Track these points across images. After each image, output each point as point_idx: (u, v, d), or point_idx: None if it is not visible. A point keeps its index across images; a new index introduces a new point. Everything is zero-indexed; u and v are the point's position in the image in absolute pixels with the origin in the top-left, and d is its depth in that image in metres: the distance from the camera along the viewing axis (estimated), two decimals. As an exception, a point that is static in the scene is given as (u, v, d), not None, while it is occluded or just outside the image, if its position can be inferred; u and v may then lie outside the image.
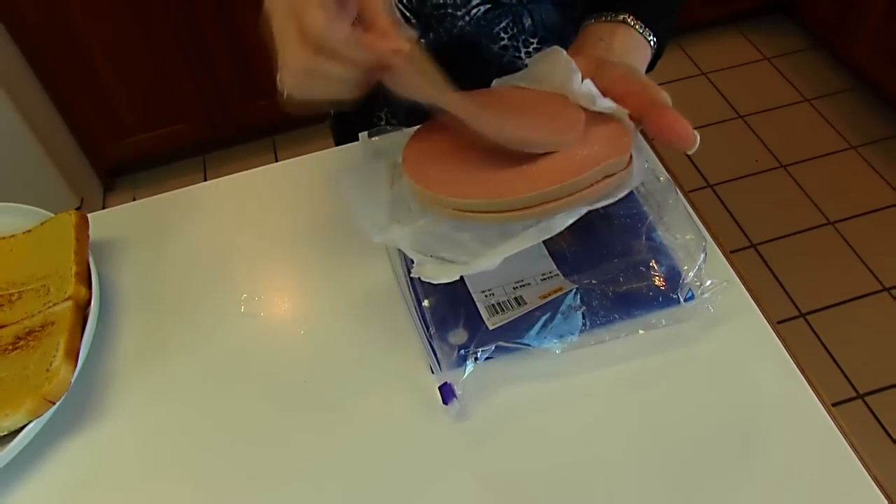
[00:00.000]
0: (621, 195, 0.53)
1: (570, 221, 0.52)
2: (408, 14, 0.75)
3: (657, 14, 0.63)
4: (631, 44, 0.61)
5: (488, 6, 0.74)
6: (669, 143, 0.52)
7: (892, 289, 1.75)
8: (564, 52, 0.57)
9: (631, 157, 0.54)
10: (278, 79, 0.49)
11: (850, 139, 2.10)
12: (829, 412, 0.54)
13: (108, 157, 2.15)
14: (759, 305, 0.60)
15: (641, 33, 0.61)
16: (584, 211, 0.53)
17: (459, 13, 0.74)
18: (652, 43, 0.62)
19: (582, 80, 0.55)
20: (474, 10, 0.74)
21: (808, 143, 2.11)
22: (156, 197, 0.76)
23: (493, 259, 0.51)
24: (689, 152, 0.52)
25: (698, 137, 0.51)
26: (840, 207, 1.93)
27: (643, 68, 0.62)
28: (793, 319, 1.71)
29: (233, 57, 1.98)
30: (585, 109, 0.55)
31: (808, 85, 2.26)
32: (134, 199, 2.27)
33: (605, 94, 0.55)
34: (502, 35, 0.76)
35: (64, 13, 1.81)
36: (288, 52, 0.48)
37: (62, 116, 2.01)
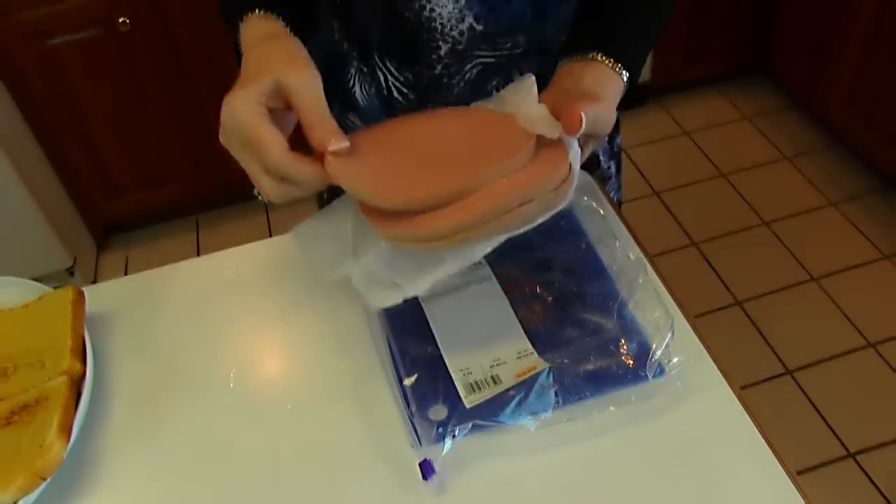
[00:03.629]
0: (546, 217, 0.57)
1: (490, 248, 0.56)
2: (405, 90, 0.79)
3: (627, 47, 0.66)
4: (601, 78, 0.64)
5: (480, 68, 0.77)
6: (563, 127, 0.57)
7: (878, 344, 1.77)
8: (532, 78, 0.61)
9: (567, 178, 0.57)
10: (255, 191, 0.59)
11: (830, 196, 2.14)
12: (794, 481, 0.57)
13: (102, 215, 2.17)
14: (726, 377, 0.63)
15: (612, 68, 0.64)
16: (503, 238, 0.56)
17: (454, 80, 0.78)
18: (624, 77, 0.65)
19: (538, 105, 0.59)
20: (468, 75, 0.78)
21: (789, 200, 2.15)
22: (149, 271, 0.78)
23: (421, 286, 0.57)
24: (577, 134, 0.56)
25: (585, 120, 0.56)
26: (822, 264, 1.97)
27: (615, 99, 0.64)
28: (780, 377, 1.72)
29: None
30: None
31: (787, 143, 2.32)
32: (127, 259, 2.26)
33: (552, 112, 0.58)
34: (494, 93, 0.79)
35: (64, 75, 1.86)
36: (259, 183, 0.58)
37: (58, 175, 2.04)
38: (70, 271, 2.00)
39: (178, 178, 2.15)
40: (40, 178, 1.95)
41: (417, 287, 0.57)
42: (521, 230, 0.57)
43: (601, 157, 0.89)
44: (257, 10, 0.65)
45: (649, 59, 2.32)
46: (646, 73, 2.35)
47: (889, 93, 1.94)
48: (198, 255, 2.17)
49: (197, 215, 2.29)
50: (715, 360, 0.64)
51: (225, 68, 1.92)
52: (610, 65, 0.64)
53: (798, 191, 2.18)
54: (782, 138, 2.34)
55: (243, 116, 0.56)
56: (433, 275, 0.57)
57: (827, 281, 1.93)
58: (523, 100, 0.60)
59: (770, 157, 2.30)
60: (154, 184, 2.14)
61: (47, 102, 1.90)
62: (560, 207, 0.57)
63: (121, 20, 1.80)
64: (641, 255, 0.68)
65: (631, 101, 2.50)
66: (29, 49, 1.80)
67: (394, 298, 0.58)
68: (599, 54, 0.64)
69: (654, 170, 2.29)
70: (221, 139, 0.59)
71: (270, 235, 2.19)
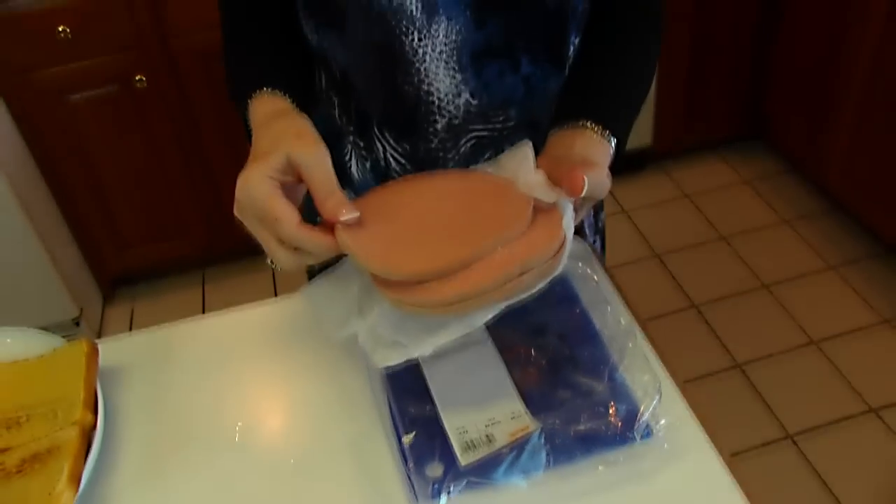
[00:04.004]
0: (544, 284, 0.60)
1: (490, 316, 0.60)
2: (402, 161, 0.83)
3: (614, 115, 0.70)
4: (590, 145, 0.68)
5: (474, 142, 0.81)
6: (566, 190, 0.61)
7: (880, 409, 1.77)
8: (529, 144, 0.65)
9: (562, 246, 0.60)
10: (268, 259, 0.62)
11: (829, 260, 2.17)
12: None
13: (109, 267, 2.21)
14: (712, 440, 0.65)
15: (601, 135, 0.68)
16: (501, 306, 0.60)
17: (450, 154, 0.82)
18: (612, 144, 0.69)
19: (535, 172, 0.63)
20: (462, 149, 0.81)
21: (788, 263, 2.18)
22: (158, 328, 0.81)
23: (426, 347, 0.60)
24: (580, 196, 0.60)
25: (587, 183, 0.60)
26: (822, 327, 1.97)
27: (606, 164, 0.68)
28: (780, 441, 1.72)
29: (234, 176, 2.08)
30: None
31: (786, 207, 2.36)
32: (132, 311, 2.27)
33: (549, 176, 0.62)
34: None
35: (80, 129, 1.92)
36: (273, 253, 0.61)
37: (68, 226, 2.08)
38: (76, 322, 2.03)
39: (187, 233, 2.19)
40: (51, 228, 1.99)
41: (422, 348, 0.61)
42: (521, 298, 0.60)
43: (587, 233, 0.93)
44: (265, 89, 0.70)
45: (650, 125, 2.38)
46: (646, 138, 2.41)
47: (885, 159, 1.98)
48: (203, 309, 2.21)
49: (203, 270, 2.33)
50: (703, 424, 0.66)
51: (236, 127, 1.98)
52: (598, 132, 0.68)
53: (797, 254, 2.20)
54: (781, 202, 2.38)
55: (257, 193, 0.60)
56: (438, 338, 0.60)
57: (827, 344, 1.94)
58: (520, 166, 0.64)
59: (769, 220, 2.33)
60: (162, 238, 2.18)
61: (62, 155, 1.95)
62: (556, 273, 0.60)
63: (137, 78, 1.87)
64: (632, 321, 0.71)
65: (632, 165, 2.54)
66: (48, 104, 1.86)
67: (398, 357, 0.61)
68: (589, 122, 0.68)
69: (655, 232, 2.32)
70: (236, 213, 0.63)
71: (275, 291, 2.21)
